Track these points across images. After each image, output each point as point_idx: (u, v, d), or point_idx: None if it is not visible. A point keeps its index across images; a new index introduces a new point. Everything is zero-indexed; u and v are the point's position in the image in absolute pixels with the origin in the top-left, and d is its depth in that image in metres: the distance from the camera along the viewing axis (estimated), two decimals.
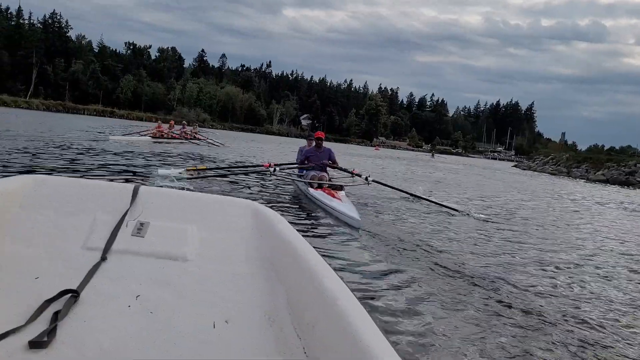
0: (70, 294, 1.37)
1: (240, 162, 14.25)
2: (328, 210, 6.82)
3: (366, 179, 9.11)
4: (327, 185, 8.24)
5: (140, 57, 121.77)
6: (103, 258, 1.62)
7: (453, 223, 7.91)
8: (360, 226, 5.81)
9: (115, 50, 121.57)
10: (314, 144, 9.32)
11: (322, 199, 7.21)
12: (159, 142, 20.68)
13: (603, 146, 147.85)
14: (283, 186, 10.02)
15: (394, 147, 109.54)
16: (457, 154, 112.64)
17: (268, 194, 8.84)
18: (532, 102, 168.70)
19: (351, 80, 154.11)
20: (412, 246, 5.36)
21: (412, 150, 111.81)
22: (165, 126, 23.23)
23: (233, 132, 62.41)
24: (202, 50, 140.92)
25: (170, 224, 1.83)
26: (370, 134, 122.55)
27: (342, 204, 6.72)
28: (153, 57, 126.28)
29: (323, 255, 2.66)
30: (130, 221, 1.80)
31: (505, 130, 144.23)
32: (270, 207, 2.17)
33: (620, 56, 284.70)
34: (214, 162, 14.58)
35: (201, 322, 1.39)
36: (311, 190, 7.91)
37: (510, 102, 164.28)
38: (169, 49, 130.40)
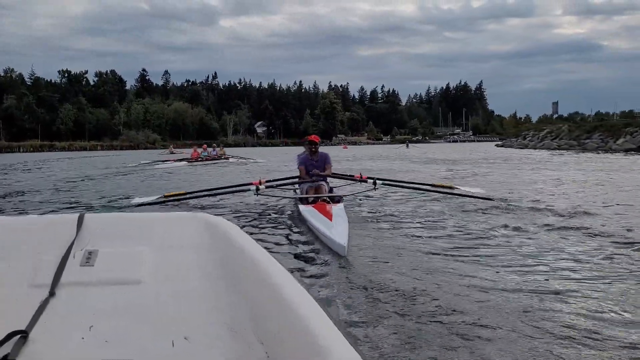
0: (19, 335, 1.33)
1: (227, 183, 12.31)
2: (315, 233, 5.90)
3: (374, 183, 8.08)
4: (322, 199, 7.17)
5: (78, 84, 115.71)
6: (51, 293, 1.57)
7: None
8: (344, 254, 4.81)
9: (50, 80, 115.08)
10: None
11: (310, 219, 6.22)
12: (194, 165, 23.50)
13: (551, 115, 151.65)
14: (280, 202, 8.81)
15: (354, 143, 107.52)
16: (417, 141, 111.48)
17: (257, 214, 7.92)
18: (481, 81, 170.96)
19: (300, 81, 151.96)
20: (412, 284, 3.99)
21: (375, 143, 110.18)
22: (200, 150, 26.94)
23: (188, 149, 58.01)
24: (144, 70, 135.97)
25: (121, 248, 1.79)
26: (329, 133, 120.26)
27: (329, 225, 5.68)
28: (91, 82, 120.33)
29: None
30: (78, 251, 1.75)
31: (459, 112, 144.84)
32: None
33: (551, 27, 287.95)
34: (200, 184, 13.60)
35: (159, 343, 1.38)
36: (301, 207, 6.96)
37: (460, 83, 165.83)
38: (108, 72, 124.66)
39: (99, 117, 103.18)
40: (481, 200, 8.14)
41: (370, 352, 2.62)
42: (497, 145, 63.71)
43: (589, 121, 60.80)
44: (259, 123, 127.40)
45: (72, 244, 1.76)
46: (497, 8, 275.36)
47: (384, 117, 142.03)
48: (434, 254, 4.93)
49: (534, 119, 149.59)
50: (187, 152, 36.94)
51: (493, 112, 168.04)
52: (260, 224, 6.96)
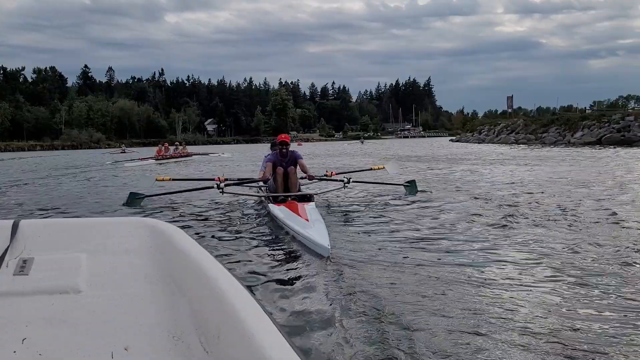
0: None
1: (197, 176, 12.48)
2: (291, 234, 5.52)
3: (347, 180, 7.74)
4: (292, 197, 6.88)
5: (14, 81, 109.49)
6: None
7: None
8: (328, 254, 4.48)
9: None
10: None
11: (284, 219, 5.86)
12: (163, 164, 23.66)
13: (496, 110, 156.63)
14: (244, 201, 8.53)
15: (307, 140, 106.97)
16: (369, 137, 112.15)
17: (220, 213, 7.45)
18: (429, 78, 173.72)
19: (251, 78, 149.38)
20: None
21: (327, 140, 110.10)
22: (163, 148, 26.56)
23: (142, 148, 55.56)
24: (86, 66, 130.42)
25: (58, 255, 1.71)
26: (281, 130, 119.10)
27: (307, 225, 5.36)
28: (29, 79, 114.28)
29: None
30: (11, 260, 1.66)
31: (409, 108, 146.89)
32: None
33: (493, 25, 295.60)
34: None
35: (97, 354, 1.32)
36: (272, 206, 6.57)
37: (409, 79, 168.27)
38: (47, 68, 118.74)
39: (38, 116, 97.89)
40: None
41: None
42: (451, 141, 63.97)
43: (531, 116, 62.26)
44: (209, 121, 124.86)
45: (5, 252, 1.66)
46: (442, 6, 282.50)
47: (335, 113, 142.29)
48: (409, 250, 4.75)
49: (480, 115, 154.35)
50: (141, 152, 36.99)
51: (441, 108, 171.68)
52: (227, 226, 6.42)
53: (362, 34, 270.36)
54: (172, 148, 27.35)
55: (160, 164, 23.52)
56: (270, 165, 7.44)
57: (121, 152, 41.07)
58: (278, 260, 4.58)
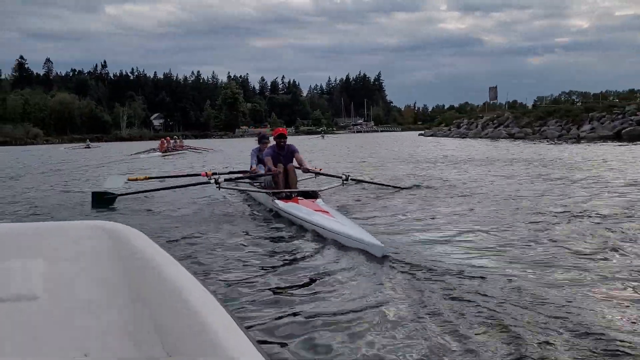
0: None
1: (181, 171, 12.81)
2: (323, 234, 4.84)
3: (346, 178, 7.39)
4: (296, 194, 6.58)
5: None
6: None
7: None
8: (383, 253, 3.98)
9: None
10: (269, 143, 7.84)
11: (305, 217, 5.33)
12: (167, 156, 24.81)
13: (444, 105, 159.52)
14: (234, 199, 8.16)
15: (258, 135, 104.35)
16: (327, 132, 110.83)
17: (216, 214, 6.81)
18: (379, 73, 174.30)
19: (198, 72, 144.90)
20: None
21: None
22: (165, 142, 28.03)
23: (75, 146, 51.47)
24: (21, 57, 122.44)
25: (12, 262, 1.66)
26: (232, 125, 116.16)
27: (336, 222, 4.84)
28: None
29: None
30: None
31: (360, 102, 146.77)
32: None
33: (436, 22, 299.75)
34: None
35: None
36: (280, 203, 6.18)
37: (359, 74, 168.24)
38: None
39: None
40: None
41: None
42: (422, 135, 60.81)
43: (469, 110, 61.37)
44: (155, 115, 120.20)
45: None
46: (387, 2, 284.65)
47: (286, 108, 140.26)
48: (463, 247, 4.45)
49: (430, 110, 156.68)
50: (105, 147, 39.37)
51: (391, 102, 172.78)
52: (232, 227, 5.71)
53: (307, 29, 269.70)
54: (172, 142, 28.72)
55: (165, 157, 24.30)
56: (270, 159, 7.09)
57: (86, 147, 43.39)
58: (318, 264, 3.97)
